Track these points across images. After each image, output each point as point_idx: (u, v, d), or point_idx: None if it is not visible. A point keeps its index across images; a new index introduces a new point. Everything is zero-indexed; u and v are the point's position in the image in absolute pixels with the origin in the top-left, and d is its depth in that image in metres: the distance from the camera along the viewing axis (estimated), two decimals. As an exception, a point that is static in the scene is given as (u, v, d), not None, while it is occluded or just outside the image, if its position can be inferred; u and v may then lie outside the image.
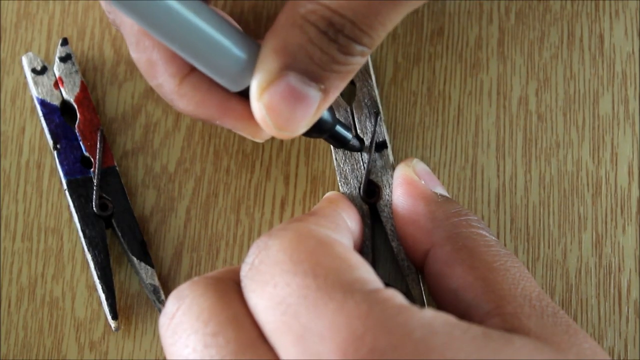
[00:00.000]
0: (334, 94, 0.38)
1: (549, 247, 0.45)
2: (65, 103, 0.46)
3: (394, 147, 0.47)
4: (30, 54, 0.47)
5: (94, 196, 0.45)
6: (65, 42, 0.47)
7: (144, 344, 0.44)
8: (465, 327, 0.34)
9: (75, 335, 0.44)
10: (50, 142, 0.46)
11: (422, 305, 0.43)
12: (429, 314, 0.34)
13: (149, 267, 0.44)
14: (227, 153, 0.47)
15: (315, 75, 0.37)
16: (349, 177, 0.45)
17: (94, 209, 0.45)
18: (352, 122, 0.46)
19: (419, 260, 0.42)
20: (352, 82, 0.46)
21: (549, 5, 0.48)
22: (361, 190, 0.44)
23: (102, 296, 0.44)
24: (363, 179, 0.45)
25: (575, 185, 0.46)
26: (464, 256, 0.40)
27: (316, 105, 0.38)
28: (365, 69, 0.46)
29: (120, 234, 0.45)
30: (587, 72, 0.47)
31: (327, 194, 0.44)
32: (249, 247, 0.45)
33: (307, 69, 0.37)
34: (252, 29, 0.48)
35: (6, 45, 0.48)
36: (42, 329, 0.44)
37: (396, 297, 0.34)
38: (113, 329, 0.44)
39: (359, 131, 0.45)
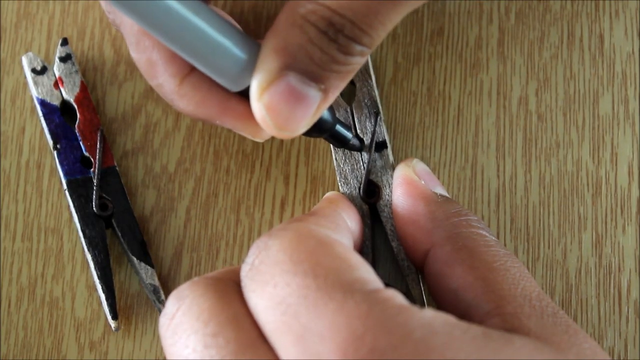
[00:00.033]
0: (334, 94, 0.38)
1: (549, 247, 0.45)
2: (65, 103, 0.46)
3: (394, 147, 0.47)
4: (30, 54, 0.47)
5: (94, 196, 0.45)
6: (65, 42, 0.47)
7: (144, 344, 0.44)
8: (465, 327, 0.34)
9: (75, 335, 0.44)
10: (50, 142, 0.46)
11: (422, 305, 0.43)
12: (429, 314, 0.34)
13: (149, 267, 0.44)
14: (227, 153, 0.47)
15: (315, 75, 0.37)
16: (349, 177, 0.45)
17: (94, 209, 0.45)
18: (352, 122, 0.46)
19: (419, 260, 0.42)
20: (352, 82, 0.46)
21: (549, 5, 0.48)
22: (361, 190, 0.44)
23: (102, 296, 0.44)
24: (363, 179, 0.45)
25: (575, 185, 0.46)
26: (464, 256, 0.40)
27: (316, 105, 0.38)
28: (365, 69, 0.46)
29: (120, 234, 0.45)
30: (587, 72, 0.47)
31: (327, 194, 0.44)
32: (249, 247, 0.45)
33: (307, 69, 0.37)
34: (252, 29, 0.48)
35: (6, 45, 0.48)
36: (42, 329, 0.44)
37: (396, 297, 0.34)
38: (113, 329, 0.44)
39: (358, 131, 0.45)
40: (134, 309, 0.45)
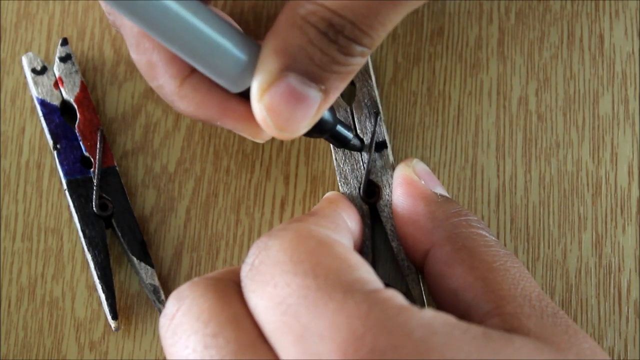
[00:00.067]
0: (335, 95, 0.38)
1: (549, 247, 0.45)
2: (65, 103, 0.46)
3: (394, 147, 0.47)
4: (30, 54, 0.47)
5: (94, 196, 0.45)
6: (65, 42, 0.47)
7: (144, 344, 0.44)
8: (465, 327, 0.34)
9: (75, 335, 0.44)
10: (50, 142, 0.46)
11: (422, 305, 0.43)
12: (429, 314, 0.34)
13: (149, 267, 0.44)
14: (227, 153, 0.47)
15: (315, 76, 0.37)
16: (348, 177, 0.45)
17: (94, 209, 0.45)
18: (352, 122, 0.46)
19: (419, 260, 0.42)
20: (352, 83, 0.46)
21: (549, 5, 0.48)
22: (361, 190, 0.44)
23: (102, 296, 0.44)
24: (363, 179, 0.45)
25: (575, 185, 0.46)
26: (463, 256, 0.40)
27: (317, 106, 0.38)
28: (365, 69, 0.46)
29: (120, 234, 0.45)
30: (587, 72, 0.47)
31: (327, 194, 0.44)
32: (249, 247, 0.45)
33: (308, 69, 0.37)
34: (252, 29, 0.48)
35: (6, 45, 0.48)
36: (42, 329, 0.44)
37: (396, 297, 0.34)
38: (113, 329, 0.44)
39: (358, 131, 0.45)
40: (134, 309, 0.45)
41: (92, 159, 0.45)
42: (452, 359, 0.33)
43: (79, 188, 0.45)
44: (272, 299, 0.34)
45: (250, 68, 0.38)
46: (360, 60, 0.38)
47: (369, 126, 0.45)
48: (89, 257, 0.44)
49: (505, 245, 0.45)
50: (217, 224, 0.46)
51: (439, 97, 0.47)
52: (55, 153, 0.46)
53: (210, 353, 0.34)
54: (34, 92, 0.46)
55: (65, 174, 0.45)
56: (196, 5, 0.37)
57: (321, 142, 0.47)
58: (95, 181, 0.45)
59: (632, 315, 0.44)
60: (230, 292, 0.36)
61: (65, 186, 0.45)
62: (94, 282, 0.44)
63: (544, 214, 0.46)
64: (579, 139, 0.47)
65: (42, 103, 0.46)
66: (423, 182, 0.43)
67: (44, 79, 0.46)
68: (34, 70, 0.46)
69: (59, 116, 0.46)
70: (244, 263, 0.37)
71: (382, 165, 0.45)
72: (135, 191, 0.46)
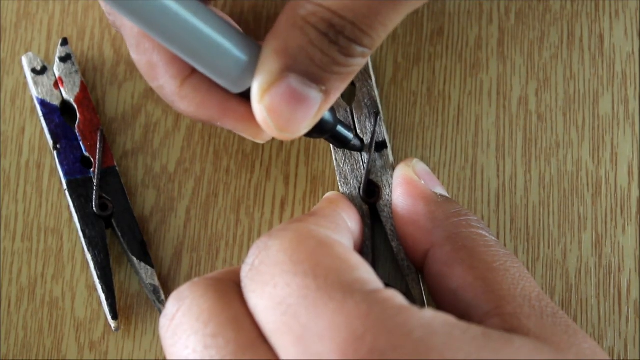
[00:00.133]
0: (335, 95, 0.38)
1: (549, 247, 0.45)
2: (65, 103, 0.46)
3: (394, 147, 0.47)
4: (30, 54, 0.47)
5: (94, 196, 0.45)
6: (65, 42, 0.47)
7: (144, 344, 0.44)
8: (464, 327, 0.34)
9: (75, 335, 0.44)
10: (50, 142, 0.46)
11: (422, 305, 0.43)
12: (429, 314, 0.34)
13: (149, 267, 0.44)
14: (227, 153, 0.47)
15: (316, 76, 0.37)
16: (348, 177, 0.45)
17: (94, 209, 0.45)
18: (351, 122, 0.46)
19: (419, 260, 0.42)
20: (352, 83, 0.46)
21: (549, 5, 0.48)
22: (361, 190, 0.44)
23: (102, 296, 0.44)
24: (363, 179, 0.45)
25: (575, 185, 0.46)
26: (463, 256, 0.40)
27: (317, 107, 0.38)
28: (365, 69, 0.46)
29: (120, 234, 0.45)
30: (587, 72, 0.47)
31: (327, 194, 0.44)
32: (249, 247, 0.45)
33: (308, 70, 0.37)
34: (252, 29, 0.48)
35: (6, 45, 0.48)
36: (42, 329, 0.44)
37: (396, 297, 0.34)
38: (113, 329, 0.44)
39: (358, 131, 0.45)
40: (134, 309, 0.45)
41: (92, 159, 0.45)
42: (451, 359, 0.33)
43: (79, 188, 0.45)
44: (272, 299, 0.34)
45: (251, 68, 0.38)
46: (361, 60, 0.38)
47: (369, 126, 0.45)
48: (89, 257, 0.44)
49: (505, 245, 0.45)
50: (217, 224, 0.46)
51: (439, 97, 0.47)
52: (55, 153, 0.46)
53: (210, 353, 0.35)
54: (34, 92, 0.46)
55: (65, 174, 0.45)
56: (196, 5, 0.37)
57: (321, 142, 0.47)
58: (95, 181, 0.45)
59: (632, 315, 0.44)
60: (230, 292, 0.36)
61: (65, 186, 0.45)
62: (94, 282, 0.44)
63: (544, 214, 0.46)
64: (579, 139, 0.47)
65: (42, 103, 0.46)
66: (423, 182, 0.43)
67: (44, 79, 0.46)
68: (34, 70, 0.46)
69: (59, 116, 0.46)
70: (244, 263, 0.37)
71: (382, 165, 0.45)
72: (135, 191, 0.46)
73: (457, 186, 0.46)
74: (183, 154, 0.47)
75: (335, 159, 0.45)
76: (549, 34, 0.48)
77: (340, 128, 0.42)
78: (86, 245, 0.44)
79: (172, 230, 0.46)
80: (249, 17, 0.48)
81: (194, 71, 0.40)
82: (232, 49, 0.37)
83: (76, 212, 0.45)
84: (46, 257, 0.45)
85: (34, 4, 0.48)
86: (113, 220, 0.45)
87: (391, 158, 0.45)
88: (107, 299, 0.44)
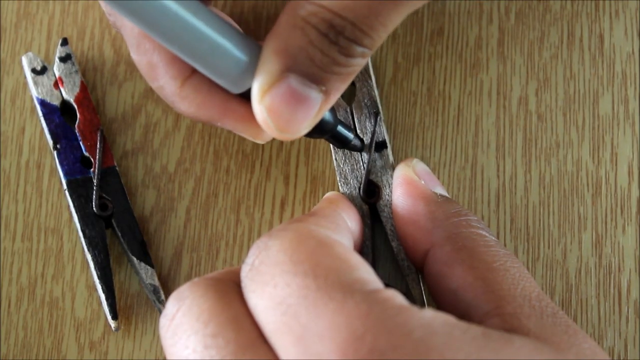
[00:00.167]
0: (335, 96, 0.38)
1: (549, 247, 0.45)
2: (65, 103, 0.46)
3: (394, 147, 0.47)
4: (30, 54, 0.47)
5: (94, 196, 0.45)
6: (65, 42, 0.47)
7: (144, 344, 0.44)
8: (464, 327, 0.34)
9: (75, 335, 0.44)
10: (50, 142, 0.46)
11: (422, 305, 0.43)
12: (429, 314, 0.34)
13: (149, 267, 0.44)
14: (227, 153, 0.47)
15: (316, 77, 0.37)
16: (348, 177, 0.45)
17: (94, 209, 0.45)
18: (351, 122, 0.46)
19: (419, 260, 0.42)
20: (352, 83, 0.46)
21: (549, 5, 0.48)
22: (361, 190, 0.44)
23: (102, 296, 0.44)
24: (363, 179, 0.45)
25: (575, 185, 0.46)
26: (463, 256, 0.40)
27: (317, 107, 0.38)
28: (365, 69, 0.46)
29: (120, 234, 0.45)
30: (587, 72, 0.47)
31: (327, 194, 0.44)
32: (249, 247, 0.45)
33: (308, 71, 0.37)
34: (252, 29, 0.48)
35: (6, 45, 0.48)
36: (42, 329, 0.44)
37: (396, 297, 0.34)
38: (113, 329, 0.44)
39: (358, 131, 0.45)
40: (134, 309, 0.45)
41: (92, 159, 0.45)
42: (451, 358, 0.33)
43: (79, 188, 0.45)
44: (272, 299, 0.34)
45: (251, 69, 0.38)
46: (361, 61, 0.38)
47: (369, 126, 0.45)
48: (89, 257, 0.44)
49: (505, 245, 0.45)
50: (217, 224, 0.46)
51: (439, 97, 0.47)
52: (55, 153, 0.46)
53: (210, 353, 0.35)
54: (34, 92, 0.46)
55: (65, 174, 0.45)
56: (196, 5, 0.37)
57: (321, 142, 0.47)
58: (95, 181, 0.45)
59: (632, 315, 0.44)
60: (230, 292, 0.36)
61: (65, 186, 0.45)
62: (94, 282, 0.44)
63: (544, 214, 0.46)
64: (579, 139, 0.47)
65: (42, 103, 0.46)
66: (423, 182, 0.43)
67: (44, 79, 0.46)
68: (34, 70, 0.46)
69: (59, 116, 0.46)
70: (244, 263, 0.37)
71: (382, 165, 0.45)
72: (135, 191, 0.46)
73: (457, 186, 0.46)
74: (183, 154, 0.47)
75: (335, 159, 0.45)
76: (549, 34, 0.48)
77: (340, 128, 0.42)
78: (86, 245, 0.44)
79: (172, 230, 0.46)
80: (249, 17, 0.48)
81: (194, 71, 0.40)
82: (232, 49, 0.37)
83: (76, 212, 0.45)
84: (46, 257, 0.45)
85: (34, 4, 0.48)
86: (113, 220, 0.45)
87: (391, 158, 0.45)
88: (107, 299, 0.44)
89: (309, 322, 0.33)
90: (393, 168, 0.45)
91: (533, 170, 0.46)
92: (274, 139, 0.46)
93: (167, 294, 0.44)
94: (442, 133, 0.47)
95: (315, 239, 0.36)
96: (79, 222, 0.44)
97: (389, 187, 0.44)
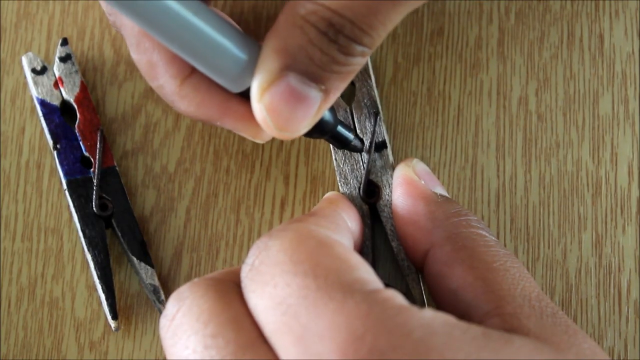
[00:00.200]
0: (335, 95, 0.38)
1: (549, 247, 0.45)
2: (65, 103, 0.46)
3: (394, 147, 0.47)
4: (30, 54, 0.47)
5: (94, 196, 0.45)
6: (65, 42, 0.47)
7: (144, 344, 0.44)
8: (464, 327, 0.34)
9: (75, 335, 0.44)
10: (50, 142, 0.46)
11: (422, 305, 0.43)
12: (429, 314, 0.34)
13: (149, 267, 0.44)
14: (227, 153, 0.47)
15: (315, 76, 0.37)
16: (348, 177, 0.45)
17: (94, 209, 0.45)
18: (351, 122, 0.46)
19: (419, 260, 0.42)
20: (351, 83, 0.46)
21: (549, 5, 0.48)
22: (361, 190, 0.44)
23: (102, 296, 0.44)
24: (363, 179, 0.45)
25: (575, 185, 0.46)
26: (463, 256, 0.40)
27: (317, 106, 0.38)
28: (364, 69, 0.46)
29: (120, 234, 0.45)
30: (587, 72, 0.47)
31: (327, 194, 0.44)
32: (249, 247, 0.45)
33: (308, 69, 0.37)
34: (252, 29, 0.48)
35: (6, 45, 0.48)
36: (42, 329, 0.45)
37: (396, 297, 0.34)
38: (113, 329, 0.44)
39: (358, 131, 0.45)
40: (134, 309, 0.45)
41: (92, 159, 0.45)
42: (451, 359, 0.33)
43: (79, 188, 0.45)
44: (272, 299, 0.34)
45: (251, 67, 0.38)
46: (361, 60, 0.38)
47: (369, 126, 0.45)
48: (89, 257, 0.44)
49: (505, 245, 0.45)
50: (217, 224, 0.46)
51: (439, 97, 0.47)
52: (55, 153, 0.46)
53: (210, 353, 0.35)
54: (34, 92, 0.46)
55: (65, 174, 0.45)
56: (196, 5, 0.37)
57: (321, 142, 0.47)
58: (95, 181, 0.45)
59: (632, 315, 0.44)
60: (230, 292, 0.36)
61: (65, 186, 0.45)
62: (94, 282, 0.44)
63: (544, 214, 0.46)
64: (579, 139, 0.47)
65: (42, 103, 0.46)
66: (423, 182, 0.43)
67: (44, 79, 0.46)
68: (34, 70, 0.46)
69: (59, 116, 0.46)
70: (244, 263, 0.37)
71: (382, 165, 0.45)
72: (135, 191, 0.46)
73: (457, 186, 0.46)
74: (183, 154, 0.47)
75: (335, 159, 0.45)
76: (549, 34, 0.48)
77: (340, 128, 0.42)
78: (86, 245, 0.44)
79: (172, 230, 0.46)
80: (249, 17, 0.48)
81: (193, 70, 0.40)
82: (232, 48, 0.37)
83: (76, 212, 0.45)
84: (46, 257, 0.45)
85: (34, 4, 0.48)
86: (113, 220, 0.45)
87: (391, 158, 0.45)
88: (107, 299, 0.44)
89: (309, 322, 0.33)
90: (393, 168, 0.45)
91: (533, 170, 0.46)
92: (273, 139, 0.46)
93: (167, 294, 0.44)
94: (442, 133, 0.47)
95: (315, 239, 0.36)
96: (79, 222, 0.44)
97: (389, 187, 0.44)
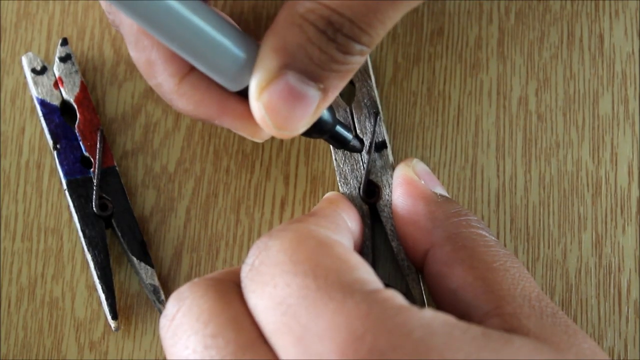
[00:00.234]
0: (334, 94, 0.38)
1: (549, 247, 0.45)
2: (65, 103, 0.46)
3: (394, 147, 0.47)
4: (30, 54, 0.47)
5: (94, 196, 0.45)
6: (65, 42, 0.47)
7: (144, 344, 0.44)
8: (464, 327, 0.34)
9: (75, 335, 0.44)
10: (50, 142, 0.46)
11: (422, 305, 0.43)
12: (429, 314, 0.34)
13: (149, 267, 0.44)
14: (227, 153, 0.47)
15: (314, 74, 0.37)
16: (348, 177, 0.45)
17: (94, 209, 0.45)
18: (351, 122, 0.46)
19: (418, 260, 0.42)
20: (351, 83, 0.46)
21: (549, 5, 0.48)
22: (361, 190, 0.44)
23: (102, 296, 0.44)
24: (363, 179, 0.45)
25: (575, 185, 0.46)
26: (463, 256, 0.40)
27: (315, 105, 0.38)
28: (364, 69, 0.46)
29: (120, 234, 0.45)
30: (587, 72, 0.47)
31: (327, 195, 0.44)
32: (249, 247, 0.45)
33: (306, 68, 0.37)
34: (252, 29, 0.48)
35: (6, 45, 0.48)
36: (42, 329, 0.45)
37: (396, 297, 0.34)
38: (113, 329, 0.44)
39: (358, 131, 0.45)
40: (134, 309, 0.45)
41: (92, 159, 0.45)
42: (451, 359, 0.33)
43: (79, 188, 0.45)
44: (272, 299, 0.34)
45: (249, 66, 0.38)
46: (360, 59, 0.38)
47: (369, 126, 0.45)
48: (89, 257, 0.44)
49: (505, 245, 0.45)
50: (217, 224, 0.46)
51: (439, 97, 0.47)
52: (55, 153, 0.46)
53: (210, 353, 0.35)
54: (34, 92, 0.46)
55: (65, 174, 0.45)
56: (196, 3, 0.37)
57: (321, 142, 0.47)
58: (95, 181, 0.45)
59: (632, 315, 0.44)
60: (230, 292, 0.36)
61: (65, 186, 0.45)
62: (94, 282, 0.44)
63: (544, 214, 0.46)
64: (579, 139, 0.47)
65: (42, 103, 0.46)
66: (423, 182, 0.43)
67: (44, 79, 0.46)
68: (34, 70, 0.46)
69: (59, 116, 0.46)
70: (244, 263, 0.37)
71: (382, 165, 0.45)
72: (135, 191, 0.46)
73: (457, 186, 0.46)
74: (183, 154, 0.47)
75: (335, 159, 0.45)
76: (549, 34, 0.48)
77: (339, 128, 0.42)
78: (86, 245, 0.44)
79: (172, 230, 0.46)
80: (249, 17, 0.48)
81: (192, 69, 0.40)
82: (231, 46, 0.37)
83: (76, 212, 0.45)
84: (46, 257, 0.45)
85: (34, 4, 0.48)
86: (113, 220, 0.45)
87: (391, 158, 0.45)
88: (107, 299, 0.44)
89: (309, 322, 0.33)
90: (393, 168, 0.45)
91: (533, 170, 0.46)
92: (273, 139, 0.46)
93: (167, 294, 0.44)
94: (442, 133, 0.47)
95: (315, 239, 0.36)
96: (79, 222, 0.44)
97: (389, 187, 0.44)
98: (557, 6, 0.48)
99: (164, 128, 0.47)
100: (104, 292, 0.44)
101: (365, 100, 0.46)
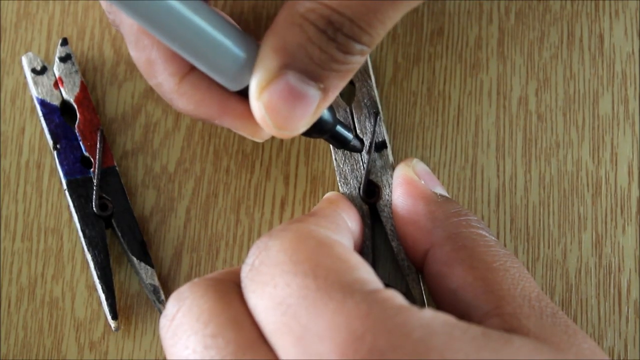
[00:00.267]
0: (334, 93, 0.38)
1: (549, 247, 0.45)
2: (65, 103, 0.46)
3: (394, 147, 0.47)
4: (30, 54, 0.47)
5: (94, 196, 0.45)
6: (65, 42, 0.47)
7: (144, 344, 0.44)
8: (464, 327, 0.34)
9: (75, 335, 0.44)
10: (50, 142, 0.46)
11: (422, 305, 0.43)
12: (429, 314, 0.34)
13: (149, 267, 0.44)
14: (227, 153, 0.47)
15: (314, 74, 0.37)
16: (348, 177, 0.45)
17: (94, 209, 0.45)
18: (351, 122, 0.46)
19: (418, 260, 0.42)
20: (351, 83, 0.46)
21: (549, 5, 0.48)
22: (361, 190, 0.44)
23: (102, 296, 0.44)
24: (363, 179, 0.45)
25: (575, 185, 0.46)
26: (463, 256, 0.40)
27: (315, 105, 0.38)
28: (364, 69, 0.46)
29: (120, 234, 0.45)
30: (587, 72, 0.47)
31: (327, 195, 0.44)
32: (249, 247, 0.45)
33: (307, 68, 0.37)
34: (252, 29, 0.48)
35: (6, 45, 0.48)
36: (42, 329, 0.45)
37: (396, 297, 0.34)
38: (113, 329, 0.44)
39: (358, 131, 0.45)
40: (134, 309, 0.45)
41: (92, 159, 0.45)
42: (451, 359, 0.33)
43: (79, 188, 0.45)
44: (272, 299, 0.34)
45: (249, 66, 0.38)
46: (360, 58, 0.38)
47: (369, 126, 0.45)
48: (89, 257, 0.44)
49: (505, 245, 0.45)
50: (217, 224, 0.46)
51: (439, 97, 0.47)
52: (55, 153, 0.46)
53: (210, 353, 0.35)
54: (34, 92, 0.46)
55: (65, 174, 0.45)
56: (196, 3, 0.37)
57: (321, 142, 0.47)
58: (95, 181, 0.45)
59: (632, 315, 0.44)
60: (230, 292, 0.36)
61: (65, 186, 0.45)
62: (94, 282, 0.44)
63: (544, 214, 0.46)
64: (579, 139, 0.47)
65: (42, 103, 0.46)
66: (423, 182, 0.43)
67: (44, 79, 0.46)
68: (34, 70, 0.46)
69: (59, 116, 0.46)
70: (244, 263, 0.37)
71: (382, 165, 0.45)
72: (135, 191, 0.46)
73: (457, 186, 0.46)
74: (183, 154, 0.47)
75: (335, 159, 0.45)
76: (549, 34, 0.48)
77: (339, 128, 0.42)
78: (86, 245, 0.44)
79: (172, 230, 0.46)
80: (249, 17, 0.48)
81: (192, 69, 0.40)
82: (231, 46, 0.37)
83: (76, 212, 0.45)
84: (46, 257, 0.45)
85: (34, 4, 0.48)
86: (113, 220, 0.45)
87: (391, 158, 0.45)
88: (107, 299, 0.44)
89: (309, 322, 0.33)
90: (393, 168, 0.45)
91: (533, 170, 0.46)
92: (273, 139, 0.46)
93: (167, 294, 0.44)
94: (442, 133, 0.47)
95: (315, 239, 0.36)
96: (79, 222, 0.44)
97: (389, 187, 0.44)
98: (557, 6, 0.48)
99: (164, 128, 0.47)
100: (104, 292, 0.44)
101: (365, 100, 0.46)
